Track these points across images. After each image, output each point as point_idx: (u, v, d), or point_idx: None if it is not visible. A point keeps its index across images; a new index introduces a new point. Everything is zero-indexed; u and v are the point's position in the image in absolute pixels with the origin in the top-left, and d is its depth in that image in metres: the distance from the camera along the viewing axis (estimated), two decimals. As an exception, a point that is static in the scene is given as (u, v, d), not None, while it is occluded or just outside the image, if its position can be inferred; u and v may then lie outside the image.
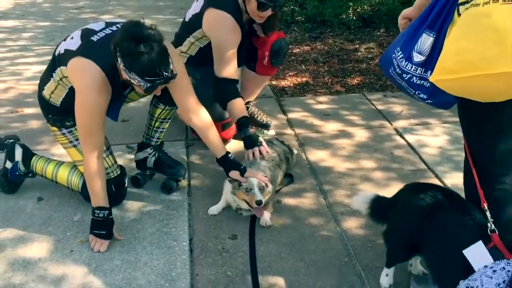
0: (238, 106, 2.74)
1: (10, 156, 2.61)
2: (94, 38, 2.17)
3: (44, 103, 2.40)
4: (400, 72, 1.74)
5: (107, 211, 2.25)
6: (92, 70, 2.10)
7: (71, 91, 2.26)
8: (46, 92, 2.36)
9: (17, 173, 2.61)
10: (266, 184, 2.39)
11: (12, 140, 2.68)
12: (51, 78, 2.30)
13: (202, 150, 3.13)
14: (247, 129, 2.70)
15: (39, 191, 2.68)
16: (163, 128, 2.72)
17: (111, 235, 2.28)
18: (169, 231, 2.39)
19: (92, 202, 2.26)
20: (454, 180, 2.79)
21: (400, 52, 1.72)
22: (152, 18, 6.63)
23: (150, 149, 2.71)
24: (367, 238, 2.35)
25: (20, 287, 2.05)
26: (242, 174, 2.40)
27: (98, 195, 2.25)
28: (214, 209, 2.52)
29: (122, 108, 2.55)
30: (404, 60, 1.71)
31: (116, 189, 2.46)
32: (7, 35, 5.89)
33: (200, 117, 2.43)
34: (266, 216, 2.45)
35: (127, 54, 1.97)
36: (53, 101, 2.36)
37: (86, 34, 2.21)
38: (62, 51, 2.25)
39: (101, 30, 2.21)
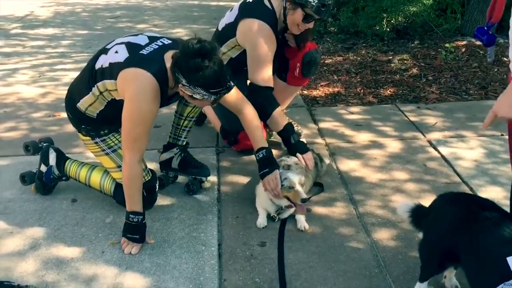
0: (278, 112, 2.77)
1: (45, 160, 2.67)
2: (144, 51, 2.21)
3: (79, 115, 2.41)
4: None
5: (141, 216, 2.28)
6: (148, 79, 2.13)
7: (110, 104, 2.31)
8: (82, 105, 2.37)
9: (51, 176, 2.67)
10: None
11: (46, 144, 2.75)
12: (90, 92, 2.31)
13: (232, 157, 3.15)
14: (296, 135, 2.78)
15: (73, 193, 2.74)
16: (190, 127, 2.77)
17: (143, 239, 2.31)
18: (198, 236, 2.40)
19: (127, 207, 2.29)
20: (490, 194, 2.71)
21: None
22: (186, 28, 6.76)
23: (177, 149, 2.75)
24: (398, 250, 2.30)
25: (52, 286, 2.09)
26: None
27: (134, 199, 2.27)
28: (260, 222, 2.49)
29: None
30: None
31: (148, 194, 2.49)
32: (47, 42, 6.09)
33: (249, 112, 2.51)
34: (303, 221, 2.47)
35: (194, 70, 2.03)
36: (89, 113, 2.38)
37: (133, 47, 2.24)
38: (105, 65, 2.26)
39: (147, 45, 2.24)
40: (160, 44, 2.26)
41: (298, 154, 2.68)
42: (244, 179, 2.91)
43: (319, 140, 3.41)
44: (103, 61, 2.29)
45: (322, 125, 3.65)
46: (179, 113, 2.73)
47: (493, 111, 1.57)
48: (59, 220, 2.53)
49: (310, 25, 2.76)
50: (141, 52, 2.21)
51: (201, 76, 2.04)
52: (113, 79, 2.21)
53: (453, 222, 1.77)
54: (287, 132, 2.75)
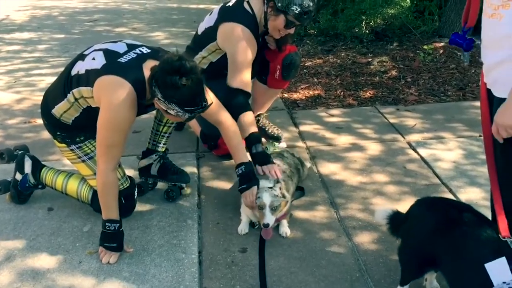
0: (248, 119, 2.68)
1: (20, 168, 2.61)
2: (122, 59, 2.17)
3: (54, 121, 2.36)
4: None
5: (118, 224, 2.24)
6: (125, 87, 2.09)
7: (86, 111, 2.26)
8: (56, 111, 2.32)
9: (27, 184, 2.61)
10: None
11: (21, 151, 2.69)
12: (65, 99, 2.26)
13: (213, 162, 3.12)
14: (258, 145, 2.62)
15: (50, 202, 2.68)
16: (169, 133, 2.73)
17: (121, 247, 2.26)
18: (178, 243, 2.37)
19: (103, 215, 2.25)
20: (469, 195, 2.74)
21: None
22: (165, 31, 6.70)
23: (156, 155, 2.71)
24: (379, 253, 2.30)
25: (28, 298, 2.04)
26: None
27: (110, 207, 2.23)
28: (241, 228, 2.46)
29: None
30: None
31: (126, 201, 2.45)
32: (23, 47, 5.98)
33: (226, 119, 2.48)
34: (286, 227, 2.44)
35: (171, 86, 2.00)
36: (64, 120, 2.33)
37: (111, 55, 2.20)
38: (82, 72, 2.21)
39: (125, 53, 2.20)
40: (139, 52, 2.22)
41: (257, 166, 2.55)
42: (224, 184, 2.88)
43: (300, 143, 3.40)
44: (79, 68, 2.24)
45: (303, 128, 3.65)
46: (158, 119, 2.69)
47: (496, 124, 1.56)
48: (35, 229, 2.47)
49: (292, 30, 2.77)
50: (119, 60, 2.17)
51: (177, 94, 2.01)
52: (89, 86, 2.16)
53: (431, 227, 1.77)
54: (250, 141, 2.63)
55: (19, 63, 5.30)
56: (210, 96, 2.32)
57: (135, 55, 2.20)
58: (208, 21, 2.87)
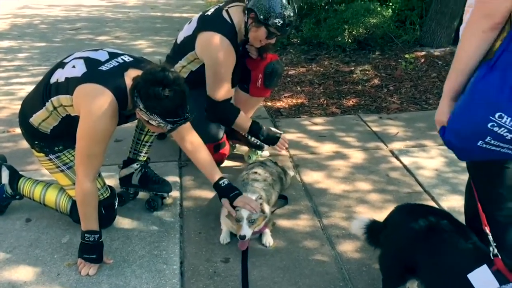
0: (244, 118, 2.91)
1: (-4, 179, 2.55)
2: (103, 68, 2.13)
3: (31, 130, 2.31)
4: (502, 137, 1.43)
5: (98, 235, 2.19)
6: (106, 96, 2.05)
7: (64, 120, 2.22)
8: (34, 120, 2.27)
9: (4, 195, 2.55)
10: (256, 211, 2.30)
11: (-2, 162, 2.63)
12: (43, 107, 2.22)
13: (195, 171, 3.04)
14: (262, 130, 2.91)
15: (28, 212, 2.62)
16: (151, 142, 2.70)
17: (101, 259, 2.21)
18: (160, 253, 2.33)
19: (82, 226, 2.20)
20: (451, 202, 2.75)
21: (506, 116, 1.40)
22: (148, 40, 6.67)
23: (137, 164, 2.68)
24: (363, 262, 2.29)
25: (3, 312, 1.98)
26: (232, 202, 2.32)
27: (90, 218, 2.19)
28: (223, 237, 2.43)
29: (115, 128, 2.51)
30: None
31: (106, 212, 2.40)
32: (3, 55, 5.89)
33: (193, 141, 2.41)
34: (269, 236, 2.42)
35: (153, 97, 1.97)
36: (43, 128, 2.28)
37: (92, 63, 2.16)
38: (61, 80, 2.17)
39: (107, 61, 2.17)
40: (121, 61, 2.19)
41: (275, 146, 2.94)
42: (207, 194, 2.85)
43: (283, 152, 3.38)
44: (59, 75, 2.20)
45: (286, 136, 3.63)
46: (139, 128, 2.66)
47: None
48: (12, 241, 2.41)
49: (273, 40, 2.77)
50: (100, 68, 2.13)
51: (159, 105, 1.98)
52: (68, 94, 2.12)
53: (410, 234, 1.76)
54: (254, 132, 2.92)
55: (-2, 72, 5.22)
56: None
57: (116, 63, 2.17)
58: (187, 30, 2.86)
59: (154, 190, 2.67)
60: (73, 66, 2.17)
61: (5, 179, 2.55)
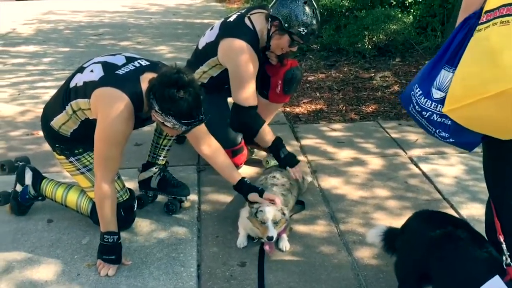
0: (268, 131, 2.87)
1: (20, 180, 2.61)
2: (120, 71, 2.18)
3: (52, 133, 2.38)
4: (419, 109, 1.65)
5: (117, 236, 2.23)
6: (122, 99, 2.09)
7: (84, 123, 2.27)
8: (55, 123, 2.33)
9: (27, 196, 2.61)
10: (282, 210, 2.34)
11: (22, 163, 2.69)
12: (63, 111, 2.28)
13: (213, 175, 3.10)
14: (285, 148, 2.84)
15: (49, 213, 2.68)
16: (169, 146, 2.73)
17: (120, 260, 2.25)
18: (177, 256, 2.36)
19: (101, 227, 2.24)
20: (471, 211, 2.72)
21: (419, 89, 1.64)
22: (170, 45, 6.75)
23: (156, 168, 2.71)
24: (380, 268, 2.28)
25: (25, 310, 2.03)
26: (261, 196, 2.39)
27: (109, 220, 2.23)
28: (240, 241, 2.45)
29: (135, 132, 2.56)
30: (423, 97, 1.63)
31: (125, 214, 2.44)
32: (28, 60, 6.03)
33: (211, 145, 2.44)
34: (285, 241, 2.43)
35: (168, 99, 2.00)
36: (63, 132, 2.34)
37: (109, 67, 2.21)
38: (80, 84, 2.23)
39: (124, 65, 2.22)
40: (138, 65, 2.24)
41: (288, 168, 2.79)
42: (225, 198, 2.87)
43: (301, 157, 3.39)
44: (77, 80, 2.26)
45: (304, 142, 3.65)
46: (158, 132, 2.70)
47: None
48: (34, 241, 2.46)
49: (294, 48, 2.79)
50: (116, 72, 2.18)
51: (174, 106, 2.01)
52: (86, 98, 2.18)
53: (426, 241, 1.75)
54: (276, 147, 2.84)
55: (23, 76, 5.34)
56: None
57: (133, 67, 2.22)
58: (209, 36, 2.89)
59: (172, 194, 2.70)
60: (91, 71, 2.23)
61: (28, 180, 2.61)
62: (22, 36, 7.47)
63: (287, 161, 2.82)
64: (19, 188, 2.61)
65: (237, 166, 3.13)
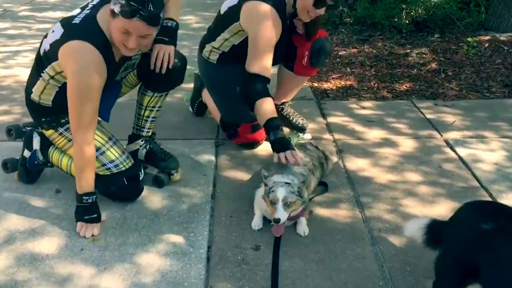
0: (267, 106, 2.45)
1: (28, 145, 2.50)
2: (76, 20, 2.08)
3: (35, 107, 2.28)
4: None
5: (95, 195, 2.19)
6: (86, 49, 1.99)
7: (62, 89, 2.15)
8: (34, 95, 2.24)
9: (35, 162, 2.49)
10: (300, 192, 2.13)
11: (30, 128, 2.57)
12: (40, 79, 2.19)
13: (232, 151, 2.93)
14: (277, 131, 2.40)
15: (58, 183, 2.56)
16: (153, 117, 2.59)
17: (100, 217, 2.21)
18: (187, 235, 2.20)
19: (78, 189, 2.17)
20: (511, 201, 2.46)
21: None
22: (198, 15, 6.56)
23: (141, 140, 2.59)
24: (407, 261, 2.07)
25: (22, 285, 1.91)
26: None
27: (88, 181, 2.16)
28: (255, 223, 2.27)
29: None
30: None
31: (129, 183, 2.32)
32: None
33: None
34: (304, 225, 2.24)
35: None
36: (44, 102, 2.24)
37: (66, 21, 2.12)
38: (47, 48, 2.13)
39: (79, 14, 2.11)
40: (90, 7, 2.12)
41: (274, 153, 2.38)
42: (242, 175, 2.69)
43: (327, 135, 3.18)
44: (45, 45, 2.16)
45: (331, 119, 3.42)
46: (139, 103, 2.56)
47: None
48: (39, 212, 2.35)
49: (322, 11, 2.52)
50: (73, 22, 2.07)
51: None
52: (57, 60, 2.07)
53: (476, 233, 1.55)
54: (268, 128, 2.43)
55: (47, 42, 5.24)
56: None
57: (87, 11, 2.10)
58: (231, 0, 2.67)
59: (159, 167, 2.58)
60: (53, 31, 2.14)
61: (36, 145, 2.49)
62: (49, 2, 7.39)
63: (274, 146, 2.40)
64: (27, 153, 2.50)
65: (258, 142, 2.94)
